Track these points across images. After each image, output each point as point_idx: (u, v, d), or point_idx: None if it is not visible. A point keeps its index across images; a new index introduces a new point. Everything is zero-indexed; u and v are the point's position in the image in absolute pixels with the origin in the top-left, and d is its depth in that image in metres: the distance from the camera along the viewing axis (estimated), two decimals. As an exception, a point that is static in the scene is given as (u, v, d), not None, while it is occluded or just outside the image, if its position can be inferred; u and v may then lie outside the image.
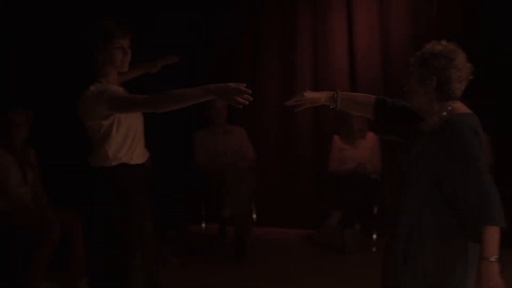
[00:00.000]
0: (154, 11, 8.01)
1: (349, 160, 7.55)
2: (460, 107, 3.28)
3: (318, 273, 6.67)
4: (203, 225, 7.51)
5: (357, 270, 6.75)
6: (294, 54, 8.54)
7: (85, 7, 7.20)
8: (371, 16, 8.22)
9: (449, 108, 3.27)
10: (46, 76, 7.03)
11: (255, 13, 8.66)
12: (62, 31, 7.27)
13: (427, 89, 3.29)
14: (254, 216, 7.63)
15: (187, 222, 7.92)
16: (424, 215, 3.22)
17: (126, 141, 3.89)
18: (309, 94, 3.79)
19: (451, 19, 7.63)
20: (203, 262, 7.02)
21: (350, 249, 7.22)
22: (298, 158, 8.55)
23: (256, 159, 7.71)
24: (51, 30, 7.08)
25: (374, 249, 7.18)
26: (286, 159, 8.62)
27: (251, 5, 8.67)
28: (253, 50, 8.68)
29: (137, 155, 3.98)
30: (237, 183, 7.13)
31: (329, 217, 7.30)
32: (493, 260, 3.14)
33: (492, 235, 3.12)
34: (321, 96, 3.81)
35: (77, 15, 7.34)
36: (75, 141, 7.25)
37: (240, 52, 8.69)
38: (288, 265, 6.95)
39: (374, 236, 7.30)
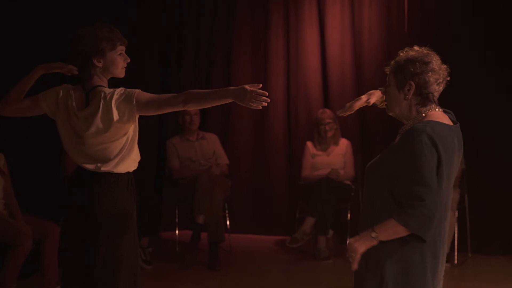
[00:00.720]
0: (123, 8, 8.00)
1: (322, 166, 7.57)
2: (434, 114, 3.28)
3: (293, 279, 6.67)
4: (177, 231, 7.49)
5: (331, 276, 6.76)
6: (266, 60, 8.54)
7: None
8: (344, 25, 8.26)
9: (423, 115, 3.28)
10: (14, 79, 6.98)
11: (227, 17, 8.65)
12: (32, 35, 7.26)
13: (407, 95, 3.31)
14: (228, 222, 7.62)
15: (161, 229, 7.89)
16: (382, 218, 3.22)
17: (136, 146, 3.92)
18: (358, 103, 3.86)
19: (422, 33, 7.64)
20: (176, 269, 6.99)
21: (324, 255, 7.24)
22: (272, 165, 8.55)
23: (229, 165, 7.72)
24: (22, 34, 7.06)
25: (347, 256, 7.19)
26: (260, 166, 8.62)
27: (222, 11, 8.66)
28: (225, 56, 8.67)
29: None
30: (210, 189, 7.12)
31: (302, 223, 7.31)
32: (373, 236, 3.22)
33: (394, 228, 3.15)
34: (371, 100, 3.82)
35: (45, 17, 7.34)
36: (45, 146, 7.26)
37: (212, 57, 8.67)
38: (262, 272, 6.94)
39: (348, 242, 7.30)
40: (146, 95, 3.71)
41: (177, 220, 7.49)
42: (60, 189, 6.82)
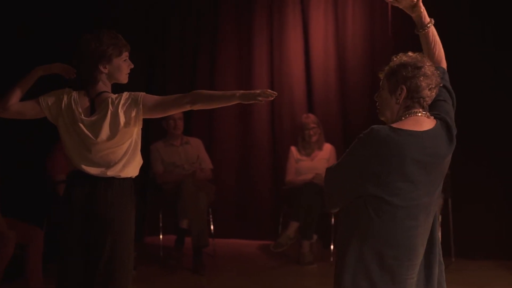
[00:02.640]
0: (112, 12, 8.00)
1: (306, 171, 7.58)
2: (408, 121, 3.30)
3: (277, 284, 6.68)
4: (161, 236, 7.48)
5: (315, 281, 6.78)
6: (251, 65, 8.55)
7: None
8: (327, 31, 8.29)
9: (403, 118, 3.31)
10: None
11: (211, 22, 8.66)
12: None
13: (398, 99, 3.33)
14: (212, 227, 7.62)
15: (144, 234, 7.88)
16: (346, 216, 3.38)
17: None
18: None
19: (406, 37, 7.67)
20: (160, 274, 6.98)
21: (308, 260, 7.25)
22: (256, 170, 8.55)
23: (213, 170, 7.72)
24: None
25: (332, 259, 7.21)
26: (244, 170, 8.63)
27: (207, 16, 8.67)
28: (209, 61, 8.68)
29: None
30: (194, 194, 7.11)
31: (286, 228, 7.31)
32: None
33: None
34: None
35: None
36: (31, 150, 7.24)
37: (196, 62, 8.68)
38: (246, 277, 6.94)
39: (332, 247, 7.33)
40: (152, 98, 3.75)
41: (161, 225, 7.48)
42: (45, 194, 6.84)
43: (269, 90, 3.59)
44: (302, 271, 7.14)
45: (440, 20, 3.79)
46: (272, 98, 3.60)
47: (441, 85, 3.41)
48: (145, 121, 8.10)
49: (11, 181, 6.75)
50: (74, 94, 3.87)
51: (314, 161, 7.63)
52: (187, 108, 3.77)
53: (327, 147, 7.69)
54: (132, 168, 3.87)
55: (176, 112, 3.80)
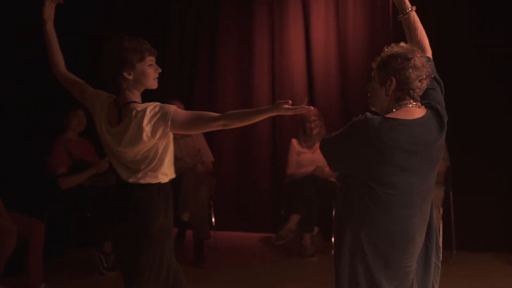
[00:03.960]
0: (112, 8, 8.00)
1: (307, 163, 7.58)
2: (401, 112, 3.30)
3: (278, 277, 6.68)
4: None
5: (316, 273, 6.78)
6: (251, 58, 8.54)
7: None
8: (328, 23, 8.27)
9: (394, 110, 3.32)
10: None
11: (212, 16, 8.65)
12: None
13: (388, 91, 3.33)
14: (213, 220, 7.62)
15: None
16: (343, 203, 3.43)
17: (171, 156, 3.91)
18: None
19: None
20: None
21: (309, 252, 7.26)
22: (257, 162, 8.55)
23: (214, 163, 7.72)
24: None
25: (333, 252, 7.20)
26: (245, 163, 8.63)
27: (207, 9, 8.65)
28: (209, 54, 8.67)
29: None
30: (195, 187, 7.11)
31: (288, 221, 7.32)
32: None
33: None
34: None
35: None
36: (32, 145, 7.25)
37: (197, 55, 8.67)
38: (247, 269, 6.95)
39: (333, 239, 7.32)
40: (182, 115, 3.67)
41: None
42: (46, 188, 6.85)
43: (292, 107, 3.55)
44: (303, 263, 7.15)
45: (436, 12, 3.80)
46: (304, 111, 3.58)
47: (432, 76, 3.40)
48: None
49: (12, 174, 6.77)
50: (110, 101, 3.86)
51: (315, 153, 7.62)
52: (230, 125, 3.70)
53: (328, 140, 7.68)
54: (155, 176, 3.82)
55: (217, 128, 3.72)
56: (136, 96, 3.83)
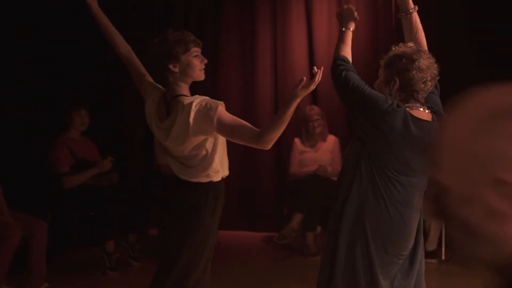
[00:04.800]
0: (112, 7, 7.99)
1: (310, 162, 7.58)
2: (414, 113, 3.31)
3: (281, 276, 6.68)
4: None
5: (318, 272, 6.78)
6: (254, 57, 8.55)
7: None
8: (331, 22, 8.27)
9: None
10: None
11: (214, 14, 8.65)
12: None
13: (392, 91, 3.33)
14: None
15: (149, 226, 7.88)
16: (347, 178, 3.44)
17: (222, 153, 3.89)
18: None
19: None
20: (164, 266, 6.99)
21: (312, 251, 7.26)
22: (259, 161, 8.55)
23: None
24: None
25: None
26: (248, 162, 8.62)
27: (210, 8, 8.66)
28: (212, 53, 8.67)
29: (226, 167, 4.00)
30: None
31: (290, 220, 7.32)
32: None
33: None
34: None
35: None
36: (34, 144, 7.26)
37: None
38: (250, 268, 6.95)
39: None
40: (227, 118, 3.64)
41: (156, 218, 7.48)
42: (49, 187, 6.86)
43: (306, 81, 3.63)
44: (306, 262, 7.15)
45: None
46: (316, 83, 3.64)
47: (438, 78, 3.39)
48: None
49: (14, 174, 6.78)
50: (160, 96, 3.85)
51: (318, 152, 7.63)
52: (253, 142, 3.67)
53: (331, 139, 7.69)
54: (205, 174, 3.81)
55: (249, 145, 3.72)
56: (183, 89, 3.81)
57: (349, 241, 3.34)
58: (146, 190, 7.95)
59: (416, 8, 3.70)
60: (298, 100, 3.60)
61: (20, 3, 7.39)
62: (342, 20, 3.74)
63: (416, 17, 3.70)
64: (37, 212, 6.32)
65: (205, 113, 3.61)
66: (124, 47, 4.11)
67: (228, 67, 8.60)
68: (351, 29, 3.70)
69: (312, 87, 3.54)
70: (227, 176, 4.00)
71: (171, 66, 3.73)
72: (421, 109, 3.35)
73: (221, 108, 3.64)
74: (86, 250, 7.26)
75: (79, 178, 6.77)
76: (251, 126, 3.65)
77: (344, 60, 3.47)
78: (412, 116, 3.27)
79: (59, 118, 7.02)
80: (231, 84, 8.62)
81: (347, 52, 3.60)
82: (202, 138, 3.69)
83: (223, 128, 3.62)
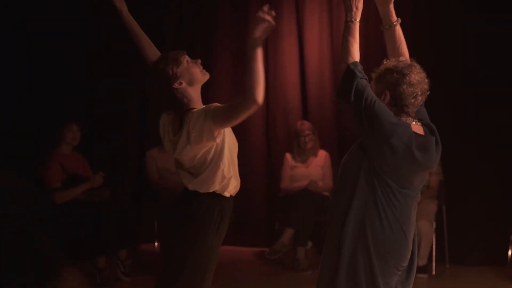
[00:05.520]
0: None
1: (301, 177, 7.59)
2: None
3: (271, 291, 6.69)
4: (156, 243, 7.48)
5: (310, 287, 6.77)
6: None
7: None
8: (322, 38, 8.31)
9: None
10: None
11: (207, 29, 8.66)
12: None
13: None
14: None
15: (140, 241, 7.88)
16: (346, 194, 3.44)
17: (229, 169, 3.84)
18: None
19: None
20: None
21: (303, 266, 7.26)
22: (251, 176, 8.54)
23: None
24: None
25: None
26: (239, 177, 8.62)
27: (203, 23, 8.67)
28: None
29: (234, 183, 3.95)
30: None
31: (282, 235, 7.32)
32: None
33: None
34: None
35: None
36: (26, 159, 7.25)
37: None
38: (241, 283, 6.95)
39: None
40: (221, 107, 3.66)
41: (156, 231, 7.48)
42: (42, 202, 6.84)
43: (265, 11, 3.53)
44: (297, 277, 7.15)
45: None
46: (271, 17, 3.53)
47: (428, 93, 3.42)
48: (141, 128, 8.10)
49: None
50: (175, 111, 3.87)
51: (309, 168, 7.65)
52: (254, 106, 3.55)
53: (322, 154, 7.71)
54: (209, 184, 3.79)
55: (244, 117, 3.61)
56: (194, 101, 3.86)
57: (352, 250, 3.35)
58: (137, 205, 7.96)
59: (399, 20, 3.71)
60: (257, 46, 3.50)
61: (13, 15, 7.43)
62: (350, 6, 3.53)
63: (399, 30, 3.71)
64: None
65: (204, 116, 3.65)
66: (152, 53, 4.12)
67: (219, 83, 8.60)
68: (358, 19, 3.52)
69: (265, 25, 3.50)
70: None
71: (176, 85, 3.78)
72: (414, 123, 3.37)
73: (215, 104, 3.73)
74: (77, 265, 7.24)
75: (71, 193, 6.76)
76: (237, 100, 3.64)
77: (357, 67, 3.37)
78: (415, 132, 3.31)
79: (51, 133, 7.02)
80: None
81: (357, 50, 3.46)
82: (205, 144, 3.69)
83: (223, 115, 3.63)
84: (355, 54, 3.43)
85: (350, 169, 3.42)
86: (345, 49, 3.44)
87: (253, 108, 3.53)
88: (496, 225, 7.33)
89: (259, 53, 3.49)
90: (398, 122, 3.27)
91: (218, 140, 3.73)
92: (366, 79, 3.35)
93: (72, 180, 6.82)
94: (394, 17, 3.70)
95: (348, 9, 3.49)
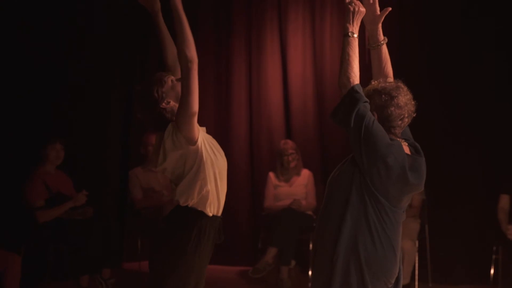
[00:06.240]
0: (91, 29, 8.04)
1: (284, 197, 7.61)
2: None
3: (255, 310, 6.69)
4: (139, 262, 7.46)
5: (293, 306, 6.78)
6: (229, 91, 8.58)
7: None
8: (305, 57, 8.35)
9: None
10: None
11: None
12: None
13: None
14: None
15: (123, 260, 7.86)
16: (336, 215, 3.43)
17: (216, 188, 3.86)
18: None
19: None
20: (139, 300, 6.97)
21: (286, 285, 7.26)
22: (234, 195, 8.53)
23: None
24: None
25: (310, 285, 7.22)
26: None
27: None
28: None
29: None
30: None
31: (265, 254, 7.32)
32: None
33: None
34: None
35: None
36: (7, 177, 7.23)
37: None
38: (224, 302, 6.94)
39: (310, 272, 7.34)
40: (179, 106, 3.67)
41: (139, 250, 7.46)
42: (23, 220, 6.83)
43: None
44: (280, 296, 7.15)
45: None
46: None
47: (415, 115, 3.45)
48: (124, 147, 8.08)
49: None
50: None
51: (292, 187, 7.67)
52: (189, 63, 3.60)
53: (305, 173, 7.73)
54: (190, 194, 3.76)
55: (194, 81, 3.62)
56: None
57: (345, 266, 3.35)
58: (120, 223, 7.95)
59: (386, 39, 3.74)
60: (176, 7, 3.59)
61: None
62: (351, 19, 3.52)
63: (385, 49, 3.74)
64: (11, 245, 6.28)
65: (171, 123, 3.69)
66: (170, 60, 4.07)
67: (202, 103, 8.57)
68: (356, 35, 3.51)
69: None
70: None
71: (164, 105, 3.78)
72: (403, 142, 3.41)
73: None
74: (60, 284, 7.21)
75: (54, 212, 6.76)
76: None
77: (359, 90, 3.37)
78: (407, 153, 3.35)
79: (35, 151, 7.02)
80: (205, 120, 8.62)
81: (357, 66, 3.45)
82: (178, 152, 3.69)
83: (181, 110, 3.63)
84: (357, 71, 3.42)
85: (341, 184, 3.42)
86: (347, 63, 3.44)
87: (193, 66, 3.60)
88: (478, 244, 7.35)
89: (180, 14, 3.59)
90: (393, 143, 3.31)
91: (199, 141, 3.74)
92: (368, 102, 3.35)
93: (55, 199, 6.81)
94: (381, 36, 3.74)
95: (348, 22, 3.49)
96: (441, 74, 7.51)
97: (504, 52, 7.32)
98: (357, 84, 3.35)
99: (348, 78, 3.37)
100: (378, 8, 3.73)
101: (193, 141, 3.71)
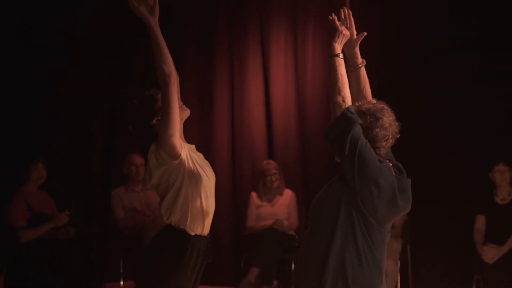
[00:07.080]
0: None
1: (267, 217, 7.62)
2: None
3: (237, 330, 6.67)
4: (121, 282, 7.43)
5: (275, 326, 6.77)
6: (211, 111, 8.60)
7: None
8: (287, 77, 8.39)
9: None
10: None
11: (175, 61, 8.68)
12: None
13: None
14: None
15: (105, 280, 7.83)
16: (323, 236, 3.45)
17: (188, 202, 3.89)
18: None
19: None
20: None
21: (268, 305, 7.27)
22: (216, 215, 8.37)
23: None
24: None
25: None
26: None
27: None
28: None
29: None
30: (155, 240, 7.09)
31: (247, 274, 7.32)
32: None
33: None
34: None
35: None
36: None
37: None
38: (207, 322, 6.91)
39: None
40: (161, 124, 3.68)
41: (121, 270, 7.44)
42: (5, 240, 6.80)
43: None
44: (262, 316, 7.14)
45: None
46: None
47: (398, 136, 3.48)
48: (107, 167, 8.04)
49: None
50: None
51: (275, 207, 7.68)
52: (169, 83, 3.67)
53: (287, 193, 7.75)
54: (173, 210, 3.80)
55: (174, 98, 3.71)
56: None
57: (333, 285, 3.37)
58: (102, 243, 7.92)
59: (364, 62, 3.78)
60: (152, 23, 3.63)
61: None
62: (337, 38, 3.54)
63: (363, 71, 3.77)
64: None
65: (154, 143, 3.71)
66: (159, 72, 3.94)
67: (185, 123, 8.59)
68: (341, 56, 3.51)
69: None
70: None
71: (154, 122, 3.81)
72: (389, 163, 3.45)
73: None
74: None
75: (36, 231, 6.73)
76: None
77: (353, 111, 3.37)
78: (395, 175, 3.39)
79: (17, 172, 7.00)
80: (188, 141, 8.59)
81: (347, 86, 3.45)
82: (163, 168, 3.71)
83: (164, 122, 3.66)
84: (348, 91, 3.42)
85: (330, 204, 3.43)
86: (341, 83, 3.42)
87: (171, 81, 3.67)
88: (460, 264, 7.37)
89: (155, 30, 3.66)
90: (382, 164, 3.34)
91: (183, 156, 3.78)
92: (361, 123, 3.36)
93: (37, 219, 6.79)
94: (359, 59, 3.76)
95: (336, 42, 3.51)
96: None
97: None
98: (351, 105, 3.38)
99: (343, 97, 3.38)
100: (355, 32, 3.76)
101: (176, 156, 3.73)
